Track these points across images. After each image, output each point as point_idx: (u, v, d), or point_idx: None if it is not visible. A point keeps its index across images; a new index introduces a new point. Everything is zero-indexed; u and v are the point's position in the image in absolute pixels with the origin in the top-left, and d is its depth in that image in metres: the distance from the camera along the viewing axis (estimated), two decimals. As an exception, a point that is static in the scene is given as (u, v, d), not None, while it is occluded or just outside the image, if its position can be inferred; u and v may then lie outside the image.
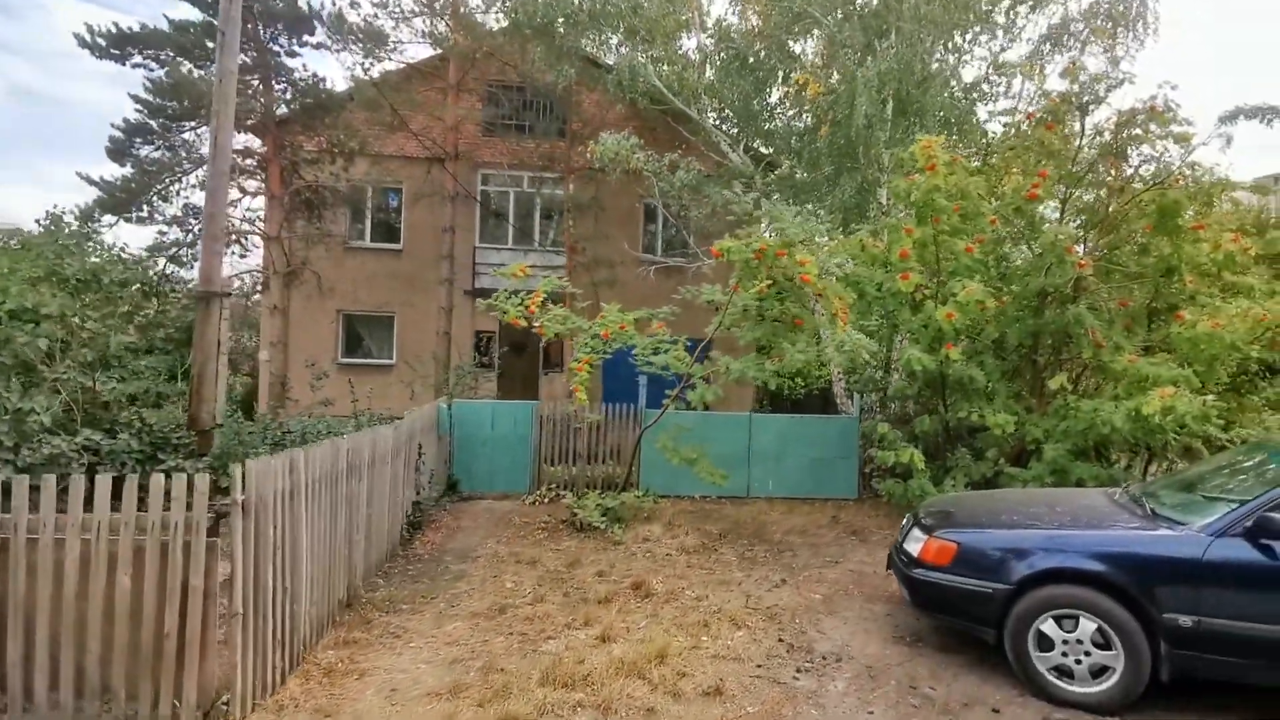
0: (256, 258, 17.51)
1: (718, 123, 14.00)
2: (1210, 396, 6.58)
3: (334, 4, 15.24)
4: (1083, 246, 8.09)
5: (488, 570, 6.48)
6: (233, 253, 14.64)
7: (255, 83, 13.14)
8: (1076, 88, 7.85)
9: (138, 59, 12.02)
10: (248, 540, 3.57)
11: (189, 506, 3.41)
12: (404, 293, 18.02)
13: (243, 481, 3.52)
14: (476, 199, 17.26)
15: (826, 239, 7.96)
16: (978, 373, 8.27)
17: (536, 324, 8.44)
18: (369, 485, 5.89)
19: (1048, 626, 4.19)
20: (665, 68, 13.36)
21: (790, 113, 12.60)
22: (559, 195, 15.04)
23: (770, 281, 7.05)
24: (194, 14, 12.28)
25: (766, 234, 7.02)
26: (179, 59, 12.32)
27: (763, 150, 14.14)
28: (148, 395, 8.96)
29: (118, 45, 11.68)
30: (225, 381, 10.29)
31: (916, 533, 4.93)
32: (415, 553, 7.10)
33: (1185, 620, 3.89)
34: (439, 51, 15.18)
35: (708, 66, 12.84)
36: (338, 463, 5.02)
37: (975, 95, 9.87)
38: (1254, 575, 3.82)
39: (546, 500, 9.91)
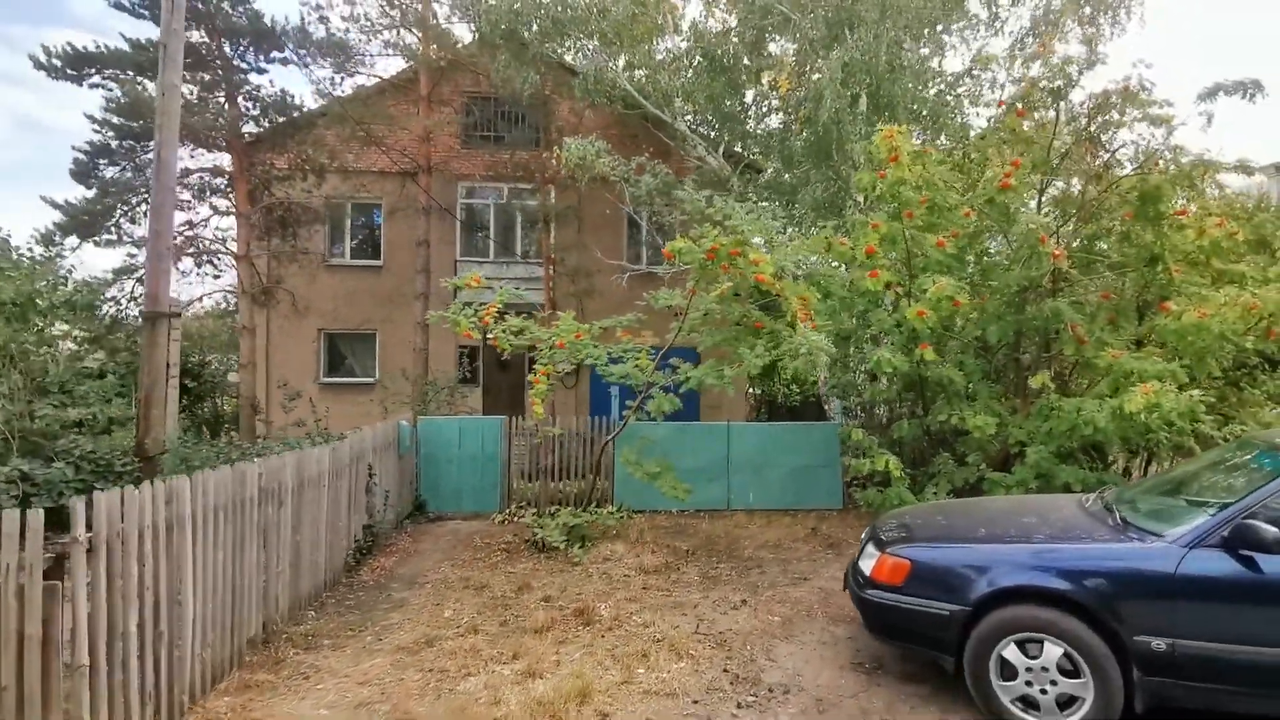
0: (233, 277, 17.27)
1: (694, 126, 13.69)
2: (1197, 392, 6.14)
3: (303, 19, 15.05)
4: (1057, 237, 7.67)
5: (430, 597, 6.09)
6: (205, 273, 14.40)
7: (220, 100, 12.93)
8: (1048, 71, 7.46)
9: (96, 79, 11.83)
10: (97, 582, 3.20)
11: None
12: (385, 309, 17.74)
13: (88, 516, 3.16)
14: (458, 216, 17.00)
15: (788, 238, 7.58)
16: (956, 373, 7.86)
17: (490, 336, 8.10)
18: (295, 511, 5.52)
19: (1010, 652, 3.77)
20: (639, 73, 13.08)
21: (763, 112, 12.28)
22: (538, 205, 14.74)
23: (729, 284, 6.67)
24: (154, 32, 12.08)
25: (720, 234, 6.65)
26: (139, 78, 12.12)
27: (746, 153, 13.80)
28: (95, 421, 8.66)
29: (74, 65, 11.50)
30: (175, 405, 9.97)
31: (871, 548, 4.52)
32: (360, 580, 6.72)
33: (1158, 643, 3.47)
34: (410, 64, 14.97)
35: (681, 70, 12.53)
36: (245, 489, 4.67)
37: (949, 87, 9.49)
38: (1233, 590, 3.39)
39: (516, 519, 9.53)
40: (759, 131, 12.80)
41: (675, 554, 7.54)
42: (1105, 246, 7.76)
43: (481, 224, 18.00)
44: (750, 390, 20.72)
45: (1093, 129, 7.24)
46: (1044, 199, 8.03)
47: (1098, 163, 7.46)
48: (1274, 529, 3.28)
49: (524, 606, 5.72)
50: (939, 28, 9.15)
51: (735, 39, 11.02)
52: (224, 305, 18.40)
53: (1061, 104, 7.61)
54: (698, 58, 11.92)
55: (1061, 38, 11.48)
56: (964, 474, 8.03)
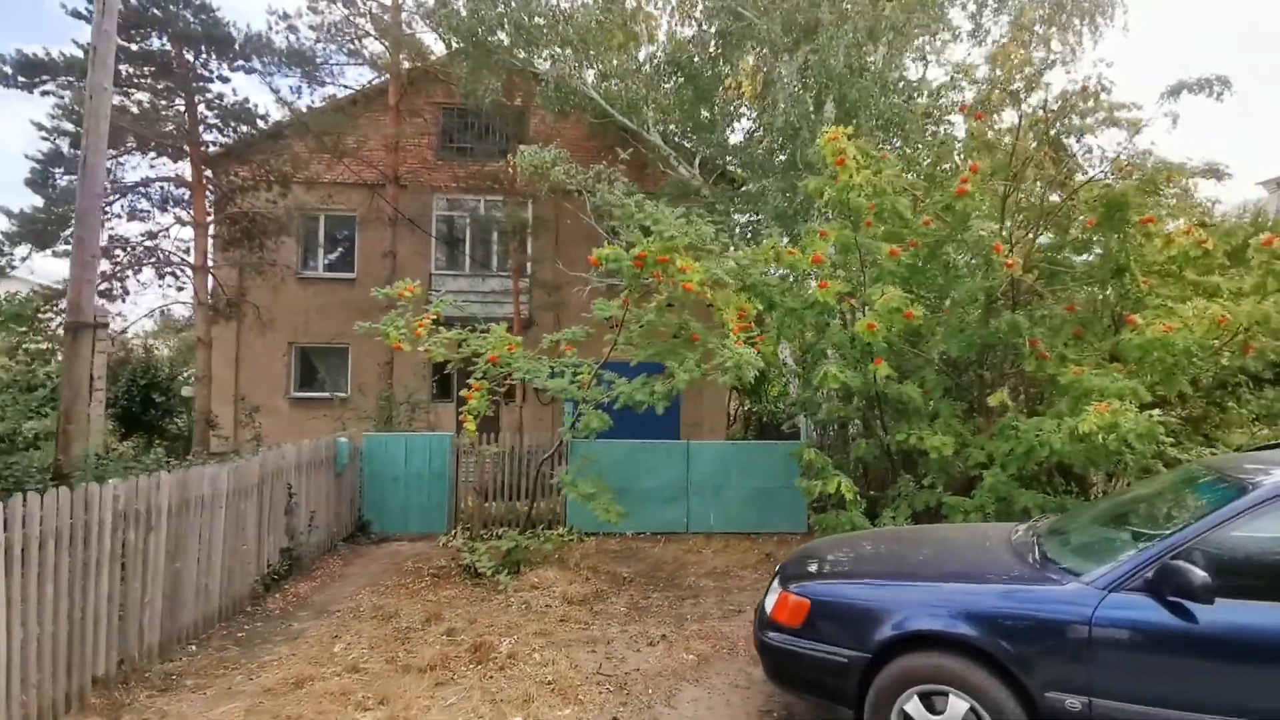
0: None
1: (670, 137, 13.35)
2: (1157, 411, 5.67)
3: (269, 28, 14.86)
4: (1011, 246, 7.25)
5: (330, 629, 5.65)
6: (166, 284, 14.09)
7: (178, 107, 12.70)
8: (1004, 74, 7.08)
9: (50, 86, 11.61)
10: None
11: None
12: (358, 323, 17.40)
13: None
14: (433, 228, 16.70)
15: (723, 245, 7.16)
16: (914, 391, 7.40)
17: (423, 348, 7.71)
18: (174, 535, 5.11)
19: (912, 706, 3.31)
20: (612, 83, 12.78)
21: (728, 121, 11.93)
22: (513, 217, 14.40)
23: (664, 294, 6.27)
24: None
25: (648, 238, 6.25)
26: (94, 85, 11.91)
27: (721, 164, 13.45)
28: (16, 436, 8.30)
29: (26, 73, 11.28)
30: (100, 420, 9.60)
31: (775, 584, 4.07)
32: (266, 609, 6.28)
33: (1073, 701, 3.00)
34: (380, 75, 14.75)
35: (649, 78, 12.22)
36: (91, 514, 4.26)
37: (919, 95, 9.10)
38: (1158, 643, 2.93)
39: (461, 541, 9.08)
40: (730, 141, 12.46)
41: (612, 581, 7.09)
42: (1073, 257, 7.31)
43: (457, 237, 17.70)
44: (740, 407, 20.24)
45: (1052, 132, 6.83)
46: (1009, 206, 7.59)
47: (1062, 168, 7.05)
48: (1202, 573, 2.82)
49: (423, 640, 5.27)
50: (917, 35, 8.77)
51: (698, 46, 10.70)
52: (191, 319, 18.08)
53: (1024, 107, 7.21)
54: (663, 65, 11.61)
55: (1039, 44, 11.14)
56: (925, 498, 7.56)
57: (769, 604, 3.96)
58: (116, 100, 12.41)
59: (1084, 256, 7.17)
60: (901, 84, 8.41)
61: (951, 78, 10.63)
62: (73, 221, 12.70)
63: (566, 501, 9.84)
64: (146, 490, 4.80)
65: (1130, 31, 21.82)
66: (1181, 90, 6.31)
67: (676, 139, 13.43)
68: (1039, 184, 7.33)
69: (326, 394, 17.56)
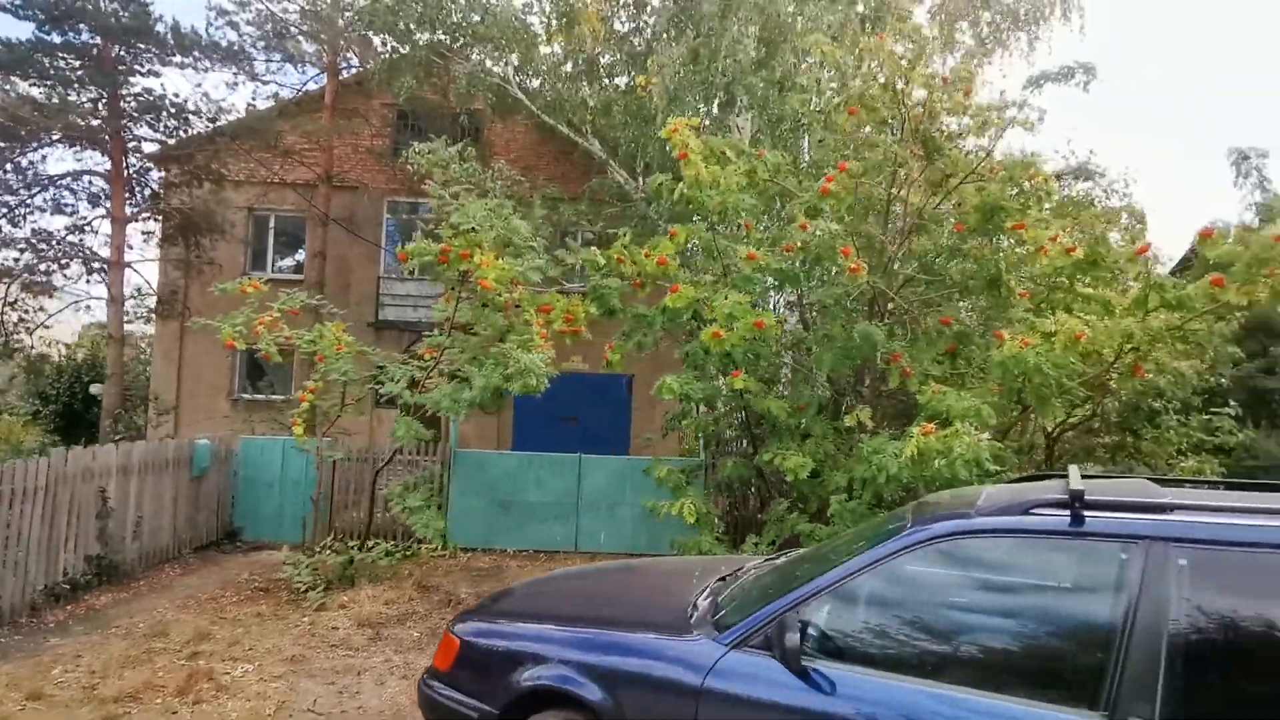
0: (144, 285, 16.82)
1: (610, 138, 12.91)
2: (984, 436, 5.04)
3: (210, 23, 14.73)
4: (893, 252, 6.67)
5: (81, 647, 5.21)
6: (96, 280, 13.92)
7: (102, 100, 12.56)
8: (878, 66, 6.53)
9: (-36, 79, 11.52)
10: None
11: None
12: (306, 325, 17.12)
13: None
14: (382, 234, 16.43)
15: (538, 240, 6.65)
16: (777, 405, 6.84)
17: (261, 349, 7.32)
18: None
19: (535, 781, 2.77)
20: (535, 81, 12.42)
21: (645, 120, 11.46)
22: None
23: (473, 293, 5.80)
24: (24, 31, 11.78)
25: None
26: (10, 78, 11.81)
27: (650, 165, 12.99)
28: None
29: None
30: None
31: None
32: (42, 621, 5.85)
33: (678, 785, 2.45)
34: (320, 71, 14.55)
35: (574, 78, 11.83)
36: None
37: (816, 92, 8.52)
38: (774, 710, 2.37)
39: (329, 550, 8.63)
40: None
41: (438, 603, 6.58)
42: (947, 265, 6.71)
43: (409, 241, 17.41)
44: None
45: (920, 129, 6.26)
46: (891, 210, 7.02)
47: (934, 168, 6.46)
48: (795, 634, 2.27)
49: (151, 667, 4.80)
50: (810, 31, 8.20)
51: (612, 44, 10.28)
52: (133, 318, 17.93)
53: (902, 107, 6.64)
54: (586, 64, 11.21)
55: (943, 45, 10.60)
56: (792, 522, 6.98)
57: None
58: (38, 92, 12.34)
59: (955, 264, 6.57)
60: (803, 83, 7.86)
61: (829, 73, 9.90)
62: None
63: (449, 515, 9.37)
64: None
65: (1086, 35, 21.08)
66: (1042, 81, 5.74)
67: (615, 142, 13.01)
68: (919, 187, 6.76)
69: (276, 396, 17.28)
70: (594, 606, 3.30)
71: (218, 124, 13.78)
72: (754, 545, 6.96)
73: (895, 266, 6.85)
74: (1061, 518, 2.26)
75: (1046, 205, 6.37)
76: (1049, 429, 8.92)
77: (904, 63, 6.40)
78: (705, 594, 3.03)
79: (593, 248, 6.74)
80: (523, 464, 9.76)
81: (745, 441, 7.68)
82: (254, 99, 15.26)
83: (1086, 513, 2.22)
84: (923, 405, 6.03)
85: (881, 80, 6.40)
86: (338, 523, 9.11)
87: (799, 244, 6.21)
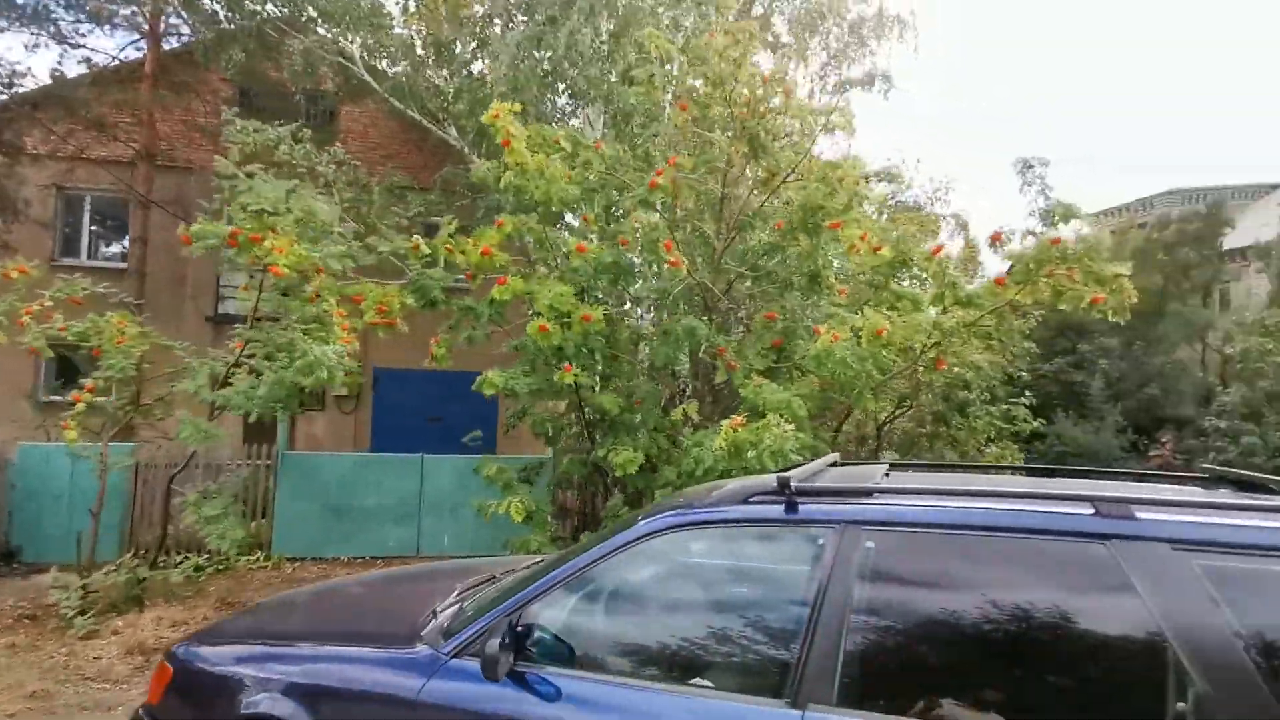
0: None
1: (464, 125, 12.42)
2: (790, 427, 5.18)
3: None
4: (675, 243, 6.76)
5: None
6: None
7: None
8: (707, 57, 6.58)
9: None
10: None
11: None
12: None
13: None
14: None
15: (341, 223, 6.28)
16: (610, 400, 6.77)
17: (27, 343, 6.44)
18: None
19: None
20: (394, 65, 11.75)
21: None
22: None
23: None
24: None
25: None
26: None
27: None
28: None
29: None
30: None
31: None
32: None
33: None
34: (136, 38, 13.11)
35: (421, 60, 11.29)
36: None
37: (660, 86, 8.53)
38: (487, 724, 2.21)
39: (131, 570, 7.71)
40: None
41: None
42: (769, 262, 6.89)
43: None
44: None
45: (746, 126, 6.38)
46: (719, 205, 7.12)
47: (760, 166, 6.61)
48: (496, 640, 2.12)
49: None
50: (645, 23, 8.14)
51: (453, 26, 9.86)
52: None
53: (730, 103, 6.74)
54: (431, 49, 10.72)
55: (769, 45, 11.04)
56: (627, 518, 6.92)
57: (168, 670, 3.04)
58: None
59: (778, 260, 6.77)
60: (638, 76, 7.81)
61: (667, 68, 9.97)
62: None
63: (275, 523, 8.68)
64: None
65: (919, 53, 22.94)
66: (846, 87, 6.03)
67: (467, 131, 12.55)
68: (748, 184, 6.89)
69: (96, 399, 15.41)
70: (330, 622, 3.03)
71: (14, 89, 12.12)
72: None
73: (725, 263, 6.96)
74: (777, 506, 2.24)
75: (870, 208, 6.66)
76: (879, 420, 9.43)
77: (732, 61, 6.49)
78: (452, 601, 2.84)
79: (416, 236, 6.38)
80: (360, 466, 9.20)
81: (584, 438, 7.56)
82: (60, 63, 13.57)
83: (800, 500, 2.22)
84: (745, 398, 6.15)
85: (710, 76, 6.45)
86: (146, 537, 8.22)
87: (631, 238, 6.15)
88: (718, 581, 2.37)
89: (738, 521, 2.28)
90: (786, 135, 6.61)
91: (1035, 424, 8.60)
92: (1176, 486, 2.75)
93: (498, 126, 5.99)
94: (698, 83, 7.20)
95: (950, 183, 15.10)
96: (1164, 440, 14.84)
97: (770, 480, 2.29)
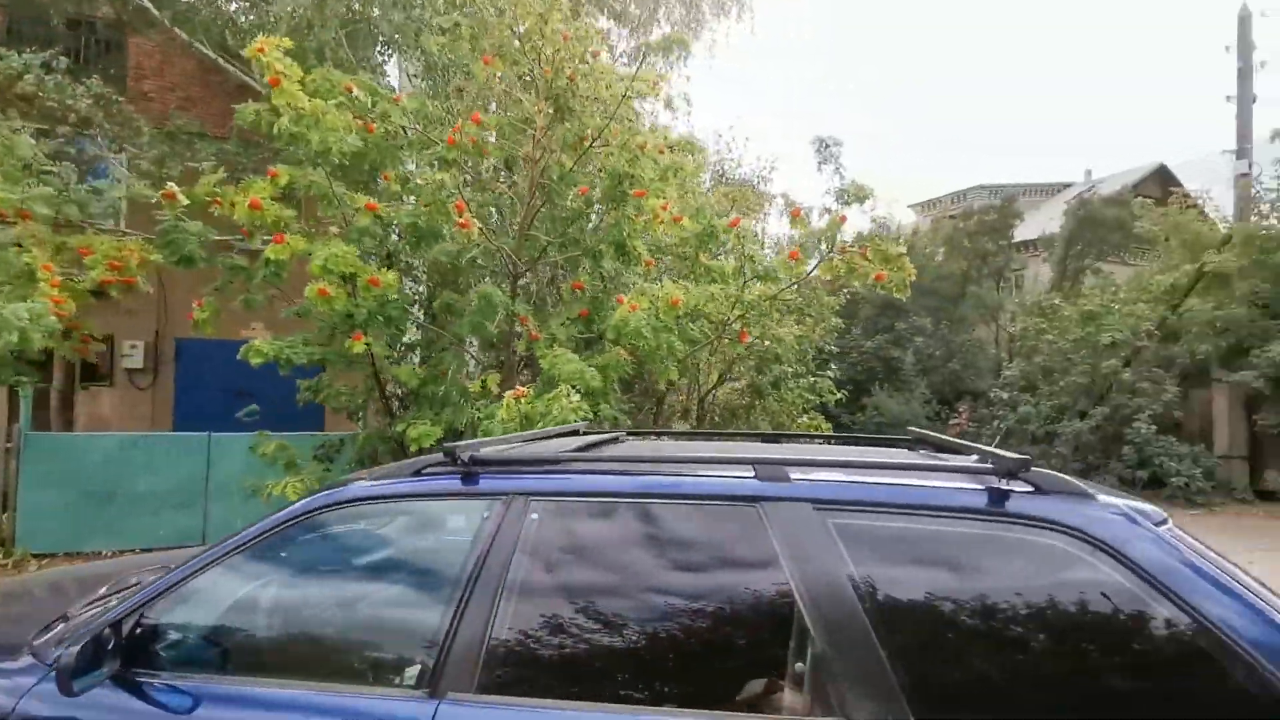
0: None
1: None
2: (576, 398, 5.08)
3: None
4: (529, 214, 6.49)
5: None
6: None
7: None
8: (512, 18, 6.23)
9: None
10: None
11: None
12: None
13: None
14: None
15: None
16: (407, 372, 6.38)
17: None
18: None
19: None
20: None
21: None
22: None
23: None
24: None
25: None
26: None
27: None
28: None
29: None
30: None
31: None
32: None
33: None
34: None
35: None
36: None
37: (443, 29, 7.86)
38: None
39: None
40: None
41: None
42: (583, 229, 6.74)
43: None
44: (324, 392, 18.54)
45: (553, 86, 6.13)
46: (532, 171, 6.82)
47: (569, 129, 6.39)
48: (70, 650, 1.78)
49: None
50: None
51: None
52: None
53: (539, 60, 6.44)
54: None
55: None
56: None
57: None
58: None
59: (587, 228, 6.63)
60: (447, 21, 7.24)
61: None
62: None
63: (17, 516, 7.48)
64: None
65: (756, 34, 23.92)
66: (647, 53, 5.97)
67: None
68: (556, 149, 6.64)
69: None
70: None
71: None
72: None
73: (535, 229, 6.71)
74: (451, 479, 2.04)
75: (703, 181, 6.63)
76: (702, 392, 9.64)
77: (538, 16, 6.18)
78: (91, 602, 2.42)
79: (171, 184, 5.57)
80: (126, 447, 8.11)
81: (385, 411, 7.10)
82: None
83: (479, 472, 2.03)
84: (544, 369, 5.97)
85: (520, 31, 6.12)
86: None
87: (422, 196, 5.73)
88: (378, 564, 2.14)
89: (405, 496, 2.07)
90: (597, 99, 6.41)
91: (838, 395, 9.11)
92: (881, 449, 2.86)
93: (264, 63, 5.33)
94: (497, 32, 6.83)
95: (775, 161, 15.58)
96: (961, 410, 16.46)
97: (454, 452, 2.08)
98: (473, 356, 7.25)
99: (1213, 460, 12.02)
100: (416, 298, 8.01)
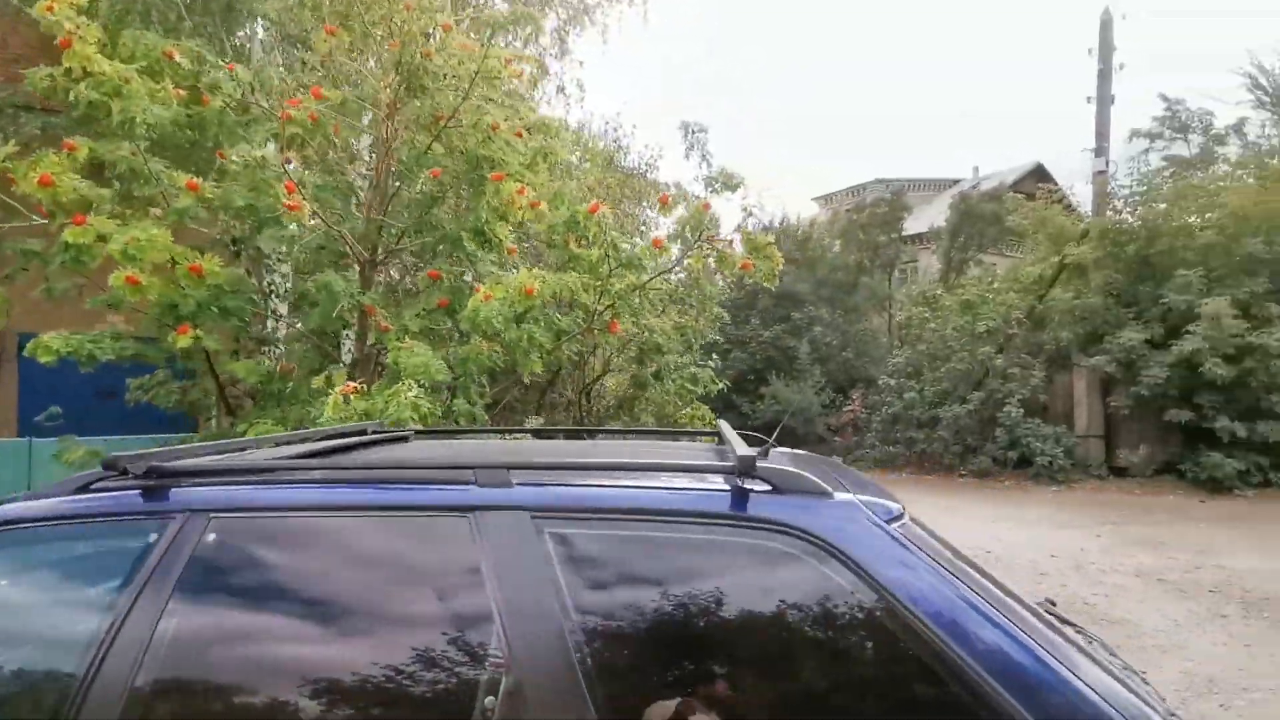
0: None
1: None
2: (417, 392, 4.76)
3: None
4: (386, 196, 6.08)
5: None
6: None
7: None
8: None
9: None
10: None
11: None
12: None
13: None
14: None
15: None
16: (244, 368, 5.86)
17: None
18: None
19: None
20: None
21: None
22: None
23: None
24: None
25: None
26: None
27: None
28: None
29: None
30: None
31: None
32: None
33: None
34: None
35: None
36: None
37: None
38: None
39: None
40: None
41: None
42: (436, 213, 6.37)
43: None
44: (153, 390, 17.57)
45: (401, 61, 5.72)
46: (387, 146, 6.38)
47: (422, 108, 6.00)
48: None
49: None
50: None
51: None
52: None
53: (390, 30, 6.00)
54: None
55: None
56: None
57: None
58: None
59: (443, 213, 6.28)
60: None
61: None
62: None
63: None
64: None
65: (649, 21, 23.93)
66: (492, 29, 5.69)
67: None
68: (410, 129, 6.25)
69: None
70: None
71: None
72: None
73: (390, 213, 6.29)
74: (126, 495, 1.73)
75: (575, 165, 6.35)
76: (585, 384, 9.43)
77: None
78: None
79: (-60, 156, 4.85)
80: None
81: (227, 411, 6.52)
82: None
83: (160, 486, 1.72)
84: (392, 362, 5.60)
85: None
86: None
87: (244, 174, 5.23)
88: (20, 605, 1.79)
89: (64, 518, 1.73)
90: (455, 78, 6.03)
91: (719, 385, 9.08)
92: (680, 444, 2.71)
93: (52, 21, 4.70)
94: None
95: (662, 149, 15.42)
96: (854, 397, 16.98)
97: (120, 463, 1.76)
98: (349, 351, 6.78)
99: (1073, 440, 12.84)
100: (272, 288, 7.45)
